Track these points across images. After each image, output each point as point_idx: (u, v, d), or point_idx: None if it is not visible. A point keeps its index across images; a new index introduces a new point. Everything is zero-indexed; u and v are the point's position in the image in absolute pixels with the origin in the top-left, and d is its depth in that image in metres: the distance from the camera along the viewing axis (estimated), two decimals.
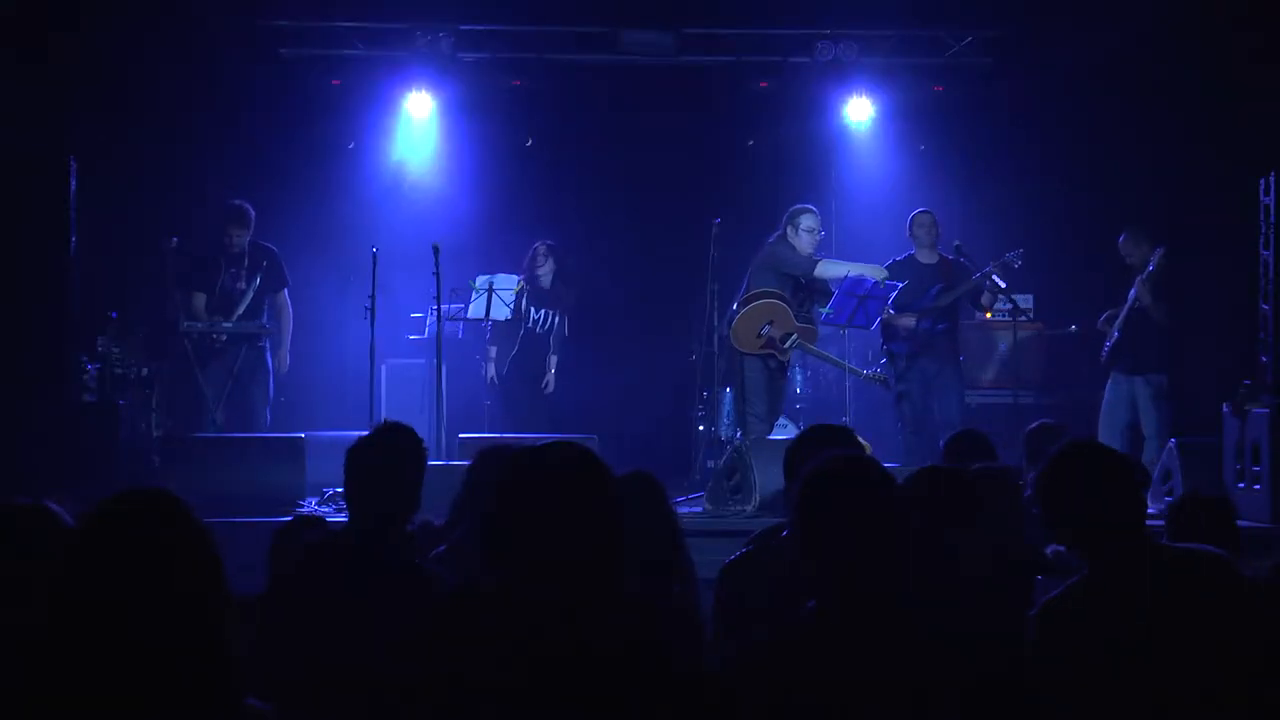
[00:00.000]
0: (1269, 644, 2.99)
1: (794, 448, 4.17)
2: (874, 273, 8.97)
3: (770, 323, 8.93)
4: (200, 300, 9.19)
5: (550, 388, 10.09)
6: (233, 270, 9.28)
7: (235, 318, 9.20)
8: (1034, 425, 6.63)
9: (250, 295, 9.28)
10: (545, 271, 10.02)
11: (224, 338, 9.15)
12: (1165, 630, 2.97)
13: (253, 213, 9.30)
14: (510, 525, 2.56)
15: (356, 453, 3.67)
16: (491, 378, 10.00)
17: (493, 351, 10.01)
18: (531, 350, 9.98)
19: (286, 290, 9.57)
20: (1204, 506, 4.33)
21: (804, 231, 9.00)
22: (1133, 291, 9.25)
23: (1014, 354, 9.84)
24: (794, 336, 8.96)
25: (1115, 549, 3.06)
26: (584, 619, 2.50)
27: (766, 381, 9.03)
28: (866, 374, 9.40)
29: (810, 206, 9.12)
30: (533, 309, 9.97)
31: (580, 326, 10.56)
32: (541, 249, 10.06)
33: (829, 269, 8.98)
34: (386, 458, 3.67)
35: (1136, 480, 3.20)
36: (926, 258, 9.49)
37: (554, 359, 10.09)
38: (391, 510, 3.62)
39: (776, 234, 9.08)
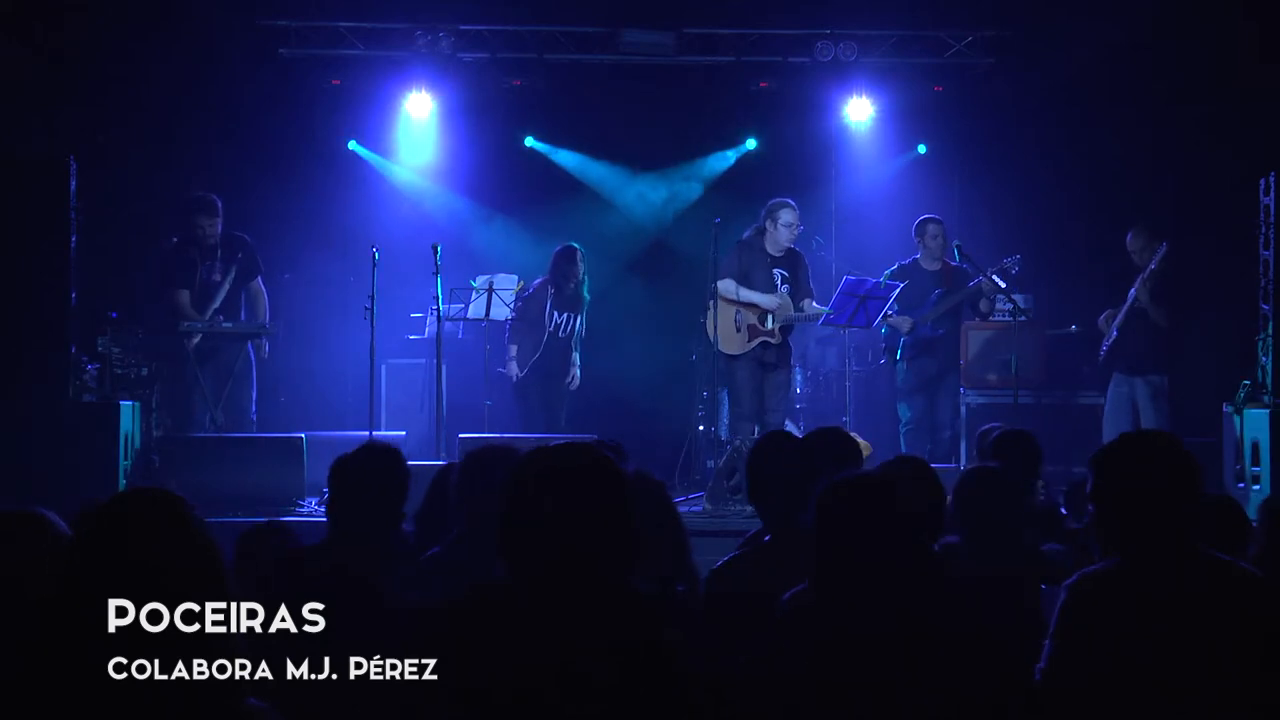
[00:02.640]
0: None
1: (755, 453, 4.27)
2: (769, 302, 8.96)
3: (739, 310, 8.95)
4: (184, 297, 9.15)
5: (575, 384, 10.04)
6: (208, 263, 9.24)
7: (213, 310, 9.15)
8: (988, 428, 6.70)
9: (227, 286, 9.23)
10: (577, 275, 9.92)
11: (198, 338, 9.10)
12: (1187, 633, 2.98)
13: (219, 202, 9.25)
14: (521, 524, 2.57)
15: (340, 469, 3.72)
16: (515, 375, 9.92)
17: (513, 350, 9.95)
18: (552, 354, 9.92)
19: (261, 278, 9.51)
20: (1215, 508, 4.32)
21: (782, 226, 9.01)
22: (1133, 290, 9.25)
23: (1014, 354, 9.83)
24: (771, 314, 8.96)
25: (1160, 543, 3.07)
26: (594, 617, 2.50)
27: (755, 381, 9.05)
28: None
29: (789, 201, 9.10)
30: (555, 313, 9.89)
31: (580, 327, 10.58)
32: (578, 254, 9.92)
33: (725, 288, 8.96)
34: (371, 476, 3.71)
35: (1198, 482, 3.19)
36: (930, 264, 9.53)
37: (576, 356, 10.03)
38: (366, 528, 3.65)
39: (754, 227, 9.10)
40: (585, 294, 10.02)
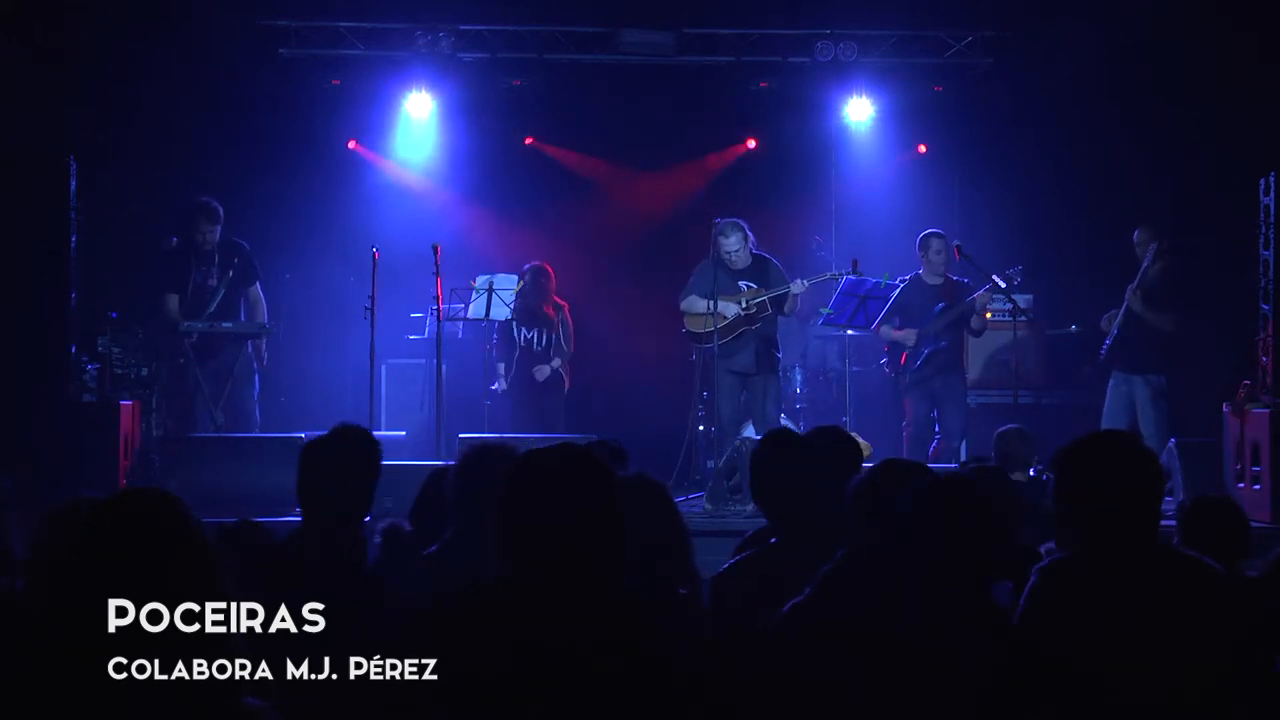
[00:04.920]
0: (1242, 670, 3.04)
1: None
2: (730, 310, 9.02)
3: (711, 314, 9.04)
4: (173, 302, 9.15)
5: (541, 376, 10.00)
6: (203, 268, 9.25)
7: (207, 315, 9.14)
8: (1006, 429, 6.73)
9: (222, 292, 9.23)
10: (542, 295, 10.00)
11: (194, 339, 9.10)
12: (1146, 623, 3.03)
13: (220, 209, 9.25)
14: (514, 524, 2.58)
15: (310, 454, 3.70)
16: (501, 389, 10.01)
17: (501, 368, 10.03)
18: (528, 369, 10.06)
19: (259, 284, 9.53)
20: (1214, 509, 4.32)
21: (724, 253, 9.03)
22: (1127, 297, 9.23)
23: (1014, 354, 9.84)
24: (741, 304, 9.02)
25: (1121, 540, 3.09)
26: (585, 617, 2.51)
27: (732, 388, 9.10)
28: (834, 274, 9.42)
29: (731, 221, 9.09)
30: (524, 329, 10.02)
31: (580, 327, 10.56)
32: (537, 275, 10.05)
33: (691, 305, 9.17)
34: (342, 459, 3.69)
35: (1161, 479, 3.21)
36: (932, 279, 9.52)
37: (556, 361, 10.07)
38: (344, 512, 3.64)
39: (716, 249, 9.11)
40: (559, 307, 10.11)
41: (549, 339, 10.08)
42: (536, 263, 10.21)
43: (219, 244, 9.26)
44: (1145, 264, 9.12)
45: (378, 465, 3.79)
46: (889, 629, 2.99)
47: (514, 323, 10.04)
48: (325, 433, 3.81)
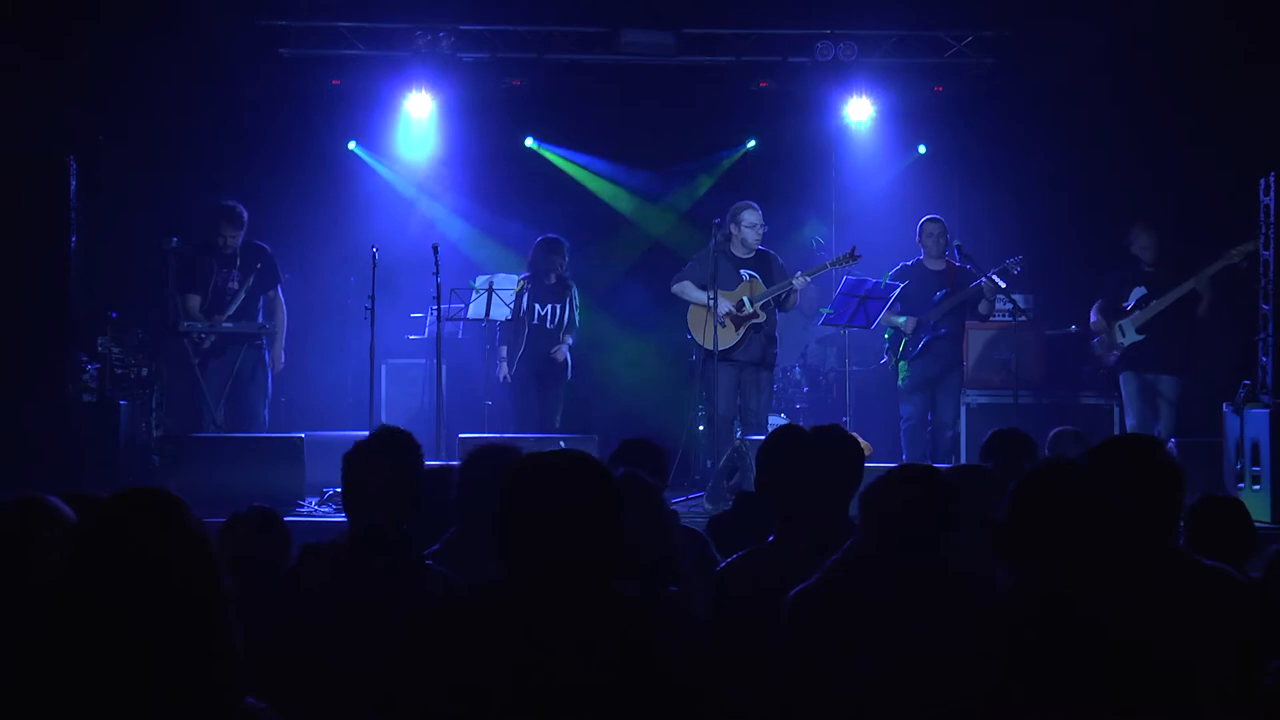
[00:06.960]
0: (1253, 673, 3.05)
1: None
2: (725, 299, 9.05)
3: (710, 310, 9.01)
4: (194, 302, 9.17)
5: (560, 355, 9.93)
6: (224, 270, 9.26)
7: (228, 317, 9.17)
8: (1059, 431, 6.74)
9: (243, 295, 9.25)
10: (556, 267, 9.90)
11: (212, 339, 9.11)
12: (1163, 628, 3.00)
13: (245, 213, 9.26)
14: (512, 526, 2.59)
15: (354, 456, 3.70)
16: (505, 376, 9.93)
17: (504, 351, 9.95)
18: (540, 347, 9.91)
19: (280, 287, 9.54)
20: (1220, 510, 4.32)
21: (746, 227, 9.11)
22: (1184, 287, 9.07)
23: (1014, 354, 9.84)
24: (744, 300, 9.06)
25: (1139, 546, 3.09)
26: (583, 619, 2.52)
27: (729, 385, 9.09)
28: (831, 261, 9.45)
29: (750, 203, 9.22)
30: (536, 305, 9.86)
31: (580, 327, 10.56)
32: (556, 245, 9.90)
33: (679, 289, 9.27)
34: (385, 460, 3.69)
35: (1182, 484, 3.21)
36: (933, 264, 9.58)
37: (570, 340, 9.98)
38: (391, 511, 3.63)
39: (719, 234, 9.11)
40: (570, 283, 10.01)
41: (562, 317, 9.94)
42: (550, 235, 10.04)
43: (240, 247, 9.27)
44: (1239, 261, 9.00)
45: (420, 465, 3.78)
46: (891, 619, 3.01)
47: (526, 297, 9.82)
48: (367, 436, 3.81)
